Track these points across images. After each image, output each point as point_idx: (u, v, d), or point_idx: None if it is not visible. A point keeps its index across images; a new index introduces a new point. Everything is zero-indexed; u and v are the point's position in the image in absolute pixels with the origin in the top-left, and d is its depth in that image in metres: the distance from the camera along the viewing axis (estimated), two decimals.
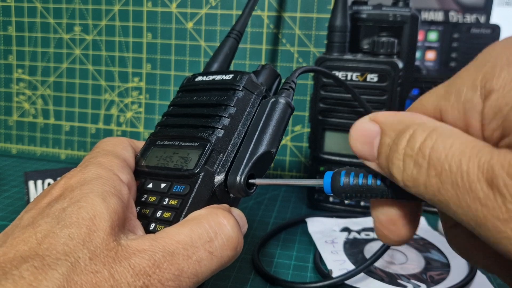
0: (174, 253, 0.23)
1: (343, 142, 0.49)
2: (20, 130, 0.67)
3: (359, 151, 0.21)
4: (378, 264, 0.38)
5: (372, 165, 0.20)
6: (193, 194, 0.27)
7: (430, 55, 0.77)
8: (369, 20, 0.52)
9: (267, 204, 0.52)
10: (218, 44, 0.58)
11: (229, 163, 0.29)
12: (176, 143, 0.31)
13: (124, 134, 0.63)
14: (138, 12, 0.60)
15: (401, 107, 0.53)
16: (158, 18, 0.59)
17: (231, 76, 0.33)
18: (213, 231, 0.25)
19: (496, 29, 0.73)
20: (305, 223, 0.46)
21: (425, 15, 0.79)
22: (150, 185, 0.30)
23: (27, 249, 0.20)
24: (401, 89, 0.47)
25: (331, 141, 0.49)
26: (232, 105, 0.31)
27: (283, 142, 0.58)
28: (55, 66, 0.64)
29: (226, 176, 0.29)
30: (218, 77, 0.33)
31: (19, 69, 0.65)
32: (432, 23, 0.77)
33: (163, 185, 0.29)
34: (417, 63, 0.77)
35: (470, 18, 0.79)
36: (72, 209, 0.22)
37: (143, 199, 0.29)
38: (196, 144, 0.30)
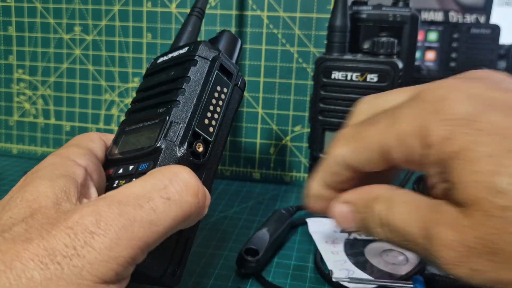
0: (123, 203, 0.21)
1: None
2: (21, 130, 0.67)
3: (345, 228, 0.26)
4: (381, 266, 0.39)
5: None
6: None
7: (430, 55, 0.77)
8: (369, 20, 0.52)
9: (267, 204, 0.52)
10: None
11: (190, 132, 0.28)
12: (140, 125, 0.31)
13: None
14: (138, 12, 0.60)
15: None
16: (158, 18, 0.59)
17: (186, 48, 0.32)
18: (167, 178, 0.23)
19: (496, 29, 0.73)
20: (306, 223, 0.46)
21: (425, 15, 0.79)
22: (121, 171, 0.29)
23: None
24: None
25: (331, 141, 0.49)
26: (187, 75, 0.30)
27: (283, 142, 0.58)
28: (55, 66, 0.64)
29: (189, 146, 0.28)
30: (175, 54, 0.33)
31: (19, 69, 0.66)
32: (432, 23, 0.77)
33: (131, 167, 0.29)
34: (417, 63, 0.77)
35: (470, 18, 0.79)
36: (17, 195, 0.23)
37: (114, 185, 0.28)
38: (156, 121, 0.29)
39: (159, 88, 0.32)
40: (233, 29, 0.57)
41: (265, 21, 0.56)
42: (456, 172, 0.19)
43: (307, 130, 0.57)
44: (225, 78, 0.32)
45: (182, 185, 0.23)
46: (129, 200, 0.21)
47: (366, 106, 0.28)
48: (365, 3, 0.54)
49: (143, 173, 0.26)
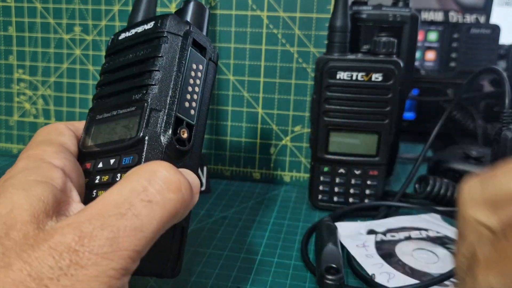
0: (104, 215, 0.20)
1: (348, 143, 0.49)
2: (21, 130, 0.67)
3: None
4: (415, 265, 0.39)
5: None
6: (142, 161, 0.25)
7: (430, 55, 0.77)
8: (369, 20, 0.52)
9: (267, 204, 0.52)
10: (218, 44, 0.58)
11: (173, 118, 0.27)
12: (114, 113, 0.28)
13: None
14: None
15: (401, 107, 0.53)
16: None
17: (152, 23, 0.29)
18: (145, 179, 0.22)
19: (496, 29, 0.73)
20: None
21: (425, 15, 0.79)
22: (100, 165, 0.27)
23: None
24: (401, 89, 0.47)
25: (337, 142, 0.49)
26: (159, 55, 0.27)
27: (282, 142, 0.58)
28: (56, 66, 0.64)
29: (173, 133, 0.27)
30: (139, 29, 0.30)
31: (19, 69, 0.66)
32: (432, 23, 0.77)
33: (112, 161, 0.27)
34: (417, 63, 0.77)
35: (470, 18, 0.79)
36: None
37: (96, 181, 0.27)
38: (133, 108, 0.27)
39: (128, 69, 0.29)
40: (233, 29, 0.57)
41: (265, 21, 0.56)
42: None
43: (307, 130, 0.57)
44: (199, 54, 0.29)
45: (161, 184, 0.22)
46: (109, 210, 0.20)
47: (480, 193, 0.20)
48: (365, 3, 0.54)
49: (127, 167, 0.25)
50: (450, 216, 0.47)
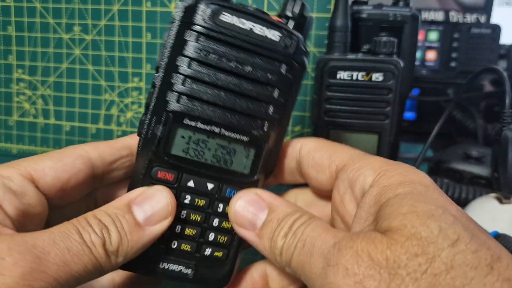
0: (38, 238, 0.21)
1: (349, 142, 0.48)
2: (21, 130, 0.67)
3: (243, 216, 0.25)
4: None
5: (250, 234, 0.25)
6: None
7: (431, 55, 0.77)
8: (369, 20, 0.52)
9: None
10: None
11: (275, 157, 0.27)
12: (217, 130, 0.25)
13: (124, 134, 0.63)
14: (137, 12, 0.60)
15: (401, 107, 0.53)
16: (158, 18, 0.59)
17: (277, 35, 0.25)
18: (80, 226, 0.22)
19: (496, 29, 0.73)
20: None
21: (426, 15, 0.79)
22: (191, 183, 0.26)
23: None
24: (401, 89, 0.47)
25: (337, 141, 0.49)
26: (283, 89, 0.25)
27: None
28: (55, 66, 0.64)
29: (269, 172, 0.27)
30: (258, 30, 0.25)
31: (19, 69, 0.65)
32: (432, 23, 0.77)
33: (210, 186, 0.26)
34: (417, 63, 0.77)
35: (470, 18, 0.79)
36: None
37: (186, 201, 0.26)
38: (246, 139, 0.25)
39: (245, 84, 0.25)
40: None
41: None
42: None
43: (307, 130, 0.57)
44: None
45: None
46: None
47: None
48: (366, 3, 0.54)
49: (227, 200, 0.26)
50: None
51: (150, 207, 0.24)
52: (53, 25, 0.63)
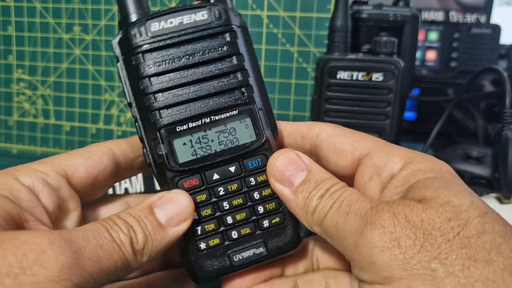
0: (73, 234, 0.21)
1: None
2: (21, 130, 0.67)
3: (282, 172, 0.26)
4: None
5: (285, 190, 0.26)
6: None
7: (431, 55, 0.77)
8: (369, 20, 0.52)
9: None
10: None
11: (271, 115, 0.28)
12: (208, 120, 0.26)
13: (124, 134, 0.63)
14: None
15: (401, 107, 0.53)
16: None
17: (204, 13, 0.26)
18: (108, 226, 0.23)
19: (496, 29, 0.73)
20: None
21: (426, 15, 0.79)
22: (216, 176, 0.26)
23: None
24: (401, 89, 0.47)
25: None
26: (240, 52, 0.27)
27: None
28: (55, 66, 0.64)
29: (272, 130, 0.28)
30: (186, 20, 0.26)
31: (19, 69, 0.65)
32: (432, 23, 0.77)
33: (232, 168, 0.27)
34: (417, 63, 0.77)
35: (470, 18, 0.79)
36: None
37: (222, 192, 0.27)
38: (235, 112, 0.26)
39: (201, 69, 0.26)
40: None
41: (265, 21, 0.56)
42: None
43: None
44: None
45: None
46: (77, 234, 0.22)
47: None
48: (366, 3, 0.54)
49: (256, 170, 0.27)
50: None
51: (171, 209, 0.25)
52: (53, 25, 0.63)
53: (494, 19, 0.80)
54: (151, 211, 0.25)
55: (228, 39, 0.27)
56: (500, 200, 0.44)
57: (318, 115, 0.48)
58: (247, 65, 0.27)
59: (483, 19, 0.80)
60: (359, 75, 0.46)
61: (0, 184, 0.24)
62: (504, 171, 0.44)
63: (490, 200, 0.45)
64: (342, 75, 0.46)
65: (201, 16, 0.26)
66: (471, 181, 0.54)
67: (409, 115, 0.78)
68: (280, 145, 0.30)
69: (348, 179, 0.28)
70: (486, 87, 0.77)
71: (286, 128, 0.30)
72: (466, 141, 0.72)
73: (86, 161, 0.28)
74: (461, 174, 0.54)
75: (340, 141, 0.28)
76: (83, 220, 0.28)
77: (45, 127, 0.66)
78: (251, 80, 0.27)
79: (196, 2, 0.28)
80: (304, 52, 0.56)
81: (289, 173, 0.26)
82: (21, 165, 0.26)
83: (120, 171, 0.30)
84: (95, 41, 0.62)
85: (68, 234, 0.21)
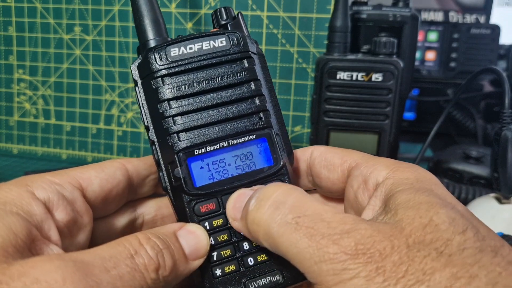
0: (89, 264, 0.20)
1: (348, 143, 0.49)
2: (21, 130, 0.67)
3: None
4: None
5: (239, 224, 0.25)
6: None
7: (430, 55, 0.77)
8: (369, 20, 0.52)
9: None
10: None
11: (287, 140, 0.28)
12: (225, 144, 0.27)
13: (124, 134, 0.63)
14: None
15: (401, 107, 0.53)
16: None
17: (223, 40, 0.27)
18: (132, 249, 0.22)
19: (496, 29, 0.73)
20: None
21: (425, 15, 0.79)
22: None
23: None
24: (401, 89, 0.48)
25: (336, 142, 0.49)
26: (258, 78, 0.27)
27: None
28: (56, 67, 0.64)
29: (288, 154, 0.28)
30: (205, 45, 0.27)
31: (19, 70, 0.66)
32: (432, 23, 0.77)
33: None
34: (417, 63, 0.77)
35: (470, 18, 0.79)
36: None
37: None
38: (252, 137, 0.27)
39: (225, 94, 0.27)
40: None
41: (265, 21, 0.56)
42: None
43: (307, 130, 0.57)
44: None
45: (146, 259, 0.22)
46: (95, 261, 0.20)
47: None
48: (365, 3, 0.54)
49: None
50: None
51: (192, 242, 0.25)
52: (53, 26, 0.63)
53: (493, 20, 0.80)
54: (176, 238, 0.24)
55: (246, 65, 0.27)
56: (499, 200, 0.45)
57: (317, 115, 0.48)
58: (264, 90, 0.28)
59: (482, 19, 0.80)
60: (359, 76, 0.46)
61: (12, 197, 0.23)
62: (504, 171, 0.44)
63: (490, 200, 0.45)
64: (342, 75, 0.46)
65: (220, 42, 0.27)
66: (471, 181, 0.54)
67: (408, 115, 0.78)
68: (296, 170, 0.30)
69: (340, 194, 0.28)
70: (485, 87, 0.77)
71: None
72: (465, 141, 0.72)
73: (100, 175, 0.27)
74: (460, 174, 0.54)
75: (331, 156, 0.29)
76: (94, 230, 0.27)
77: (45, 127, 0.66)
78: (268, 106, 0.28)
79: (213, 30, 0.29)
80: (304, 53, 0.56)
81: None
82: (35, 175, 0.25)
83: (133, 188, 0.29)
84: (96, 42, 0.62)
85: (83, 266, 0.20)
